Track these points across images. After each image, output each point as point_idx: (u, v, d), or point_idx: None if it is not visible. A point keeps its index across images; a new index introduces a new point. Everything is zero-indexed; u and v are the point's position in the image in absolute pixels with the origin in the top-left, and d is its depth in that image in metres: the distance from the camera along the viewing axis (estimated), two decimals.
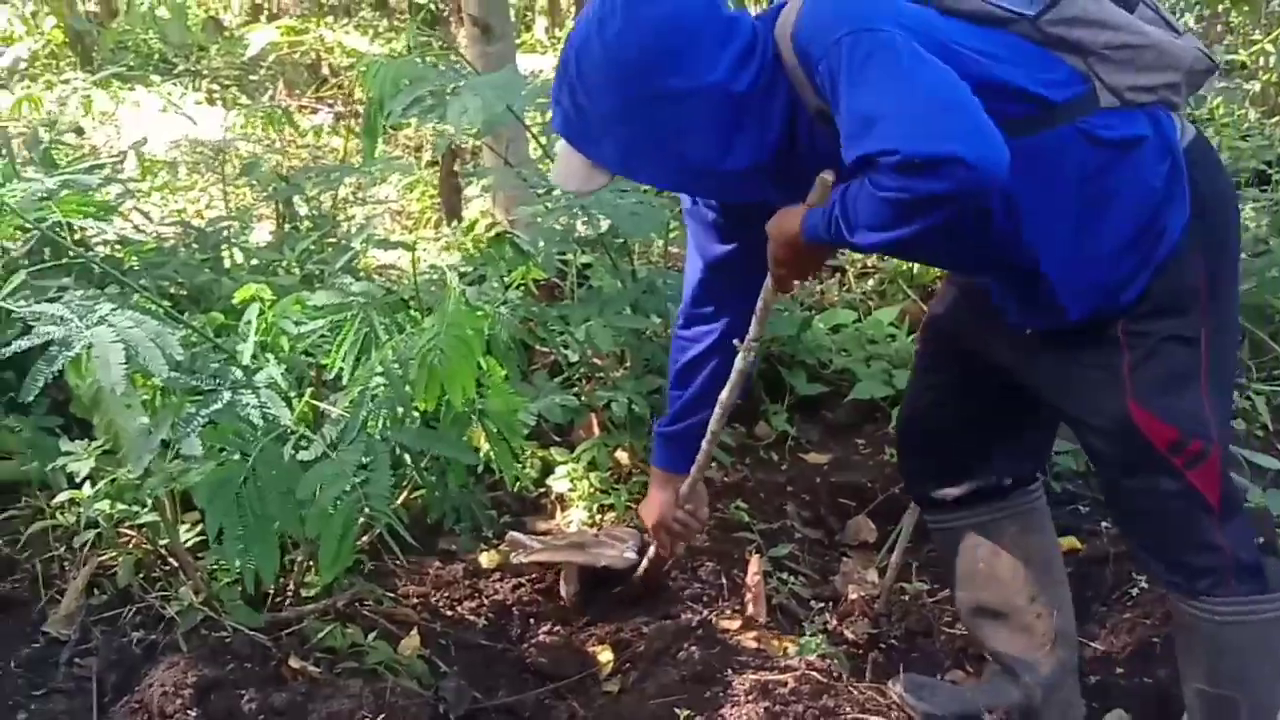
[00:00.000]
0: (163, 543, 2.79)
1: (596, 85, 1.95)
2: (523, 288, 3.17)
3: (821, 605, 3.15)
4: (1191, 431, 2.16)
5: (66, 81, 7.79)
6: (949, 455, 2.60)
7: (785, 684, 2.63)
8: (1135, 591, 3.19)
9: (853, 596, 3.15)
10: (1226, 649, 2.29)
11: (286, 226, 4.57)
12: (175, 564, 2.78)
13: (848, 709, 2.55)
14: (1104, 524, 3.46)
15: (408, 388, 2.50)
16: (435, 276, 3.65)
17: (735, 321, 2.46)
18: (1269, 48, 7.82)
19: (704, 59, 1.92)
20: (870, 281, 5.03)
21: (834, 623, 3.06)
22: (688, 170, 2.04)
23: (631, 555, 3.00)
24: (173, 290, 3.64)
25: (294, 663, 2.57)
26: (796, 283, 2.31)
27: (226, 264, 4.05)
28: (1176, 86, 2.06)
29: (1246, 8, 8.96)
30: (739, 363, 2.46)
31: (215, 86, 8.66)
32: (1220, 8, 8.55)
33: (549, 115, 3.66)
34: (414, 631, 2.82)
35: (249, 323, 2.71)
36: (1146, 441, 2.17)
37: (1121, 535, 2.82)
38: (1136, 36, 2.03)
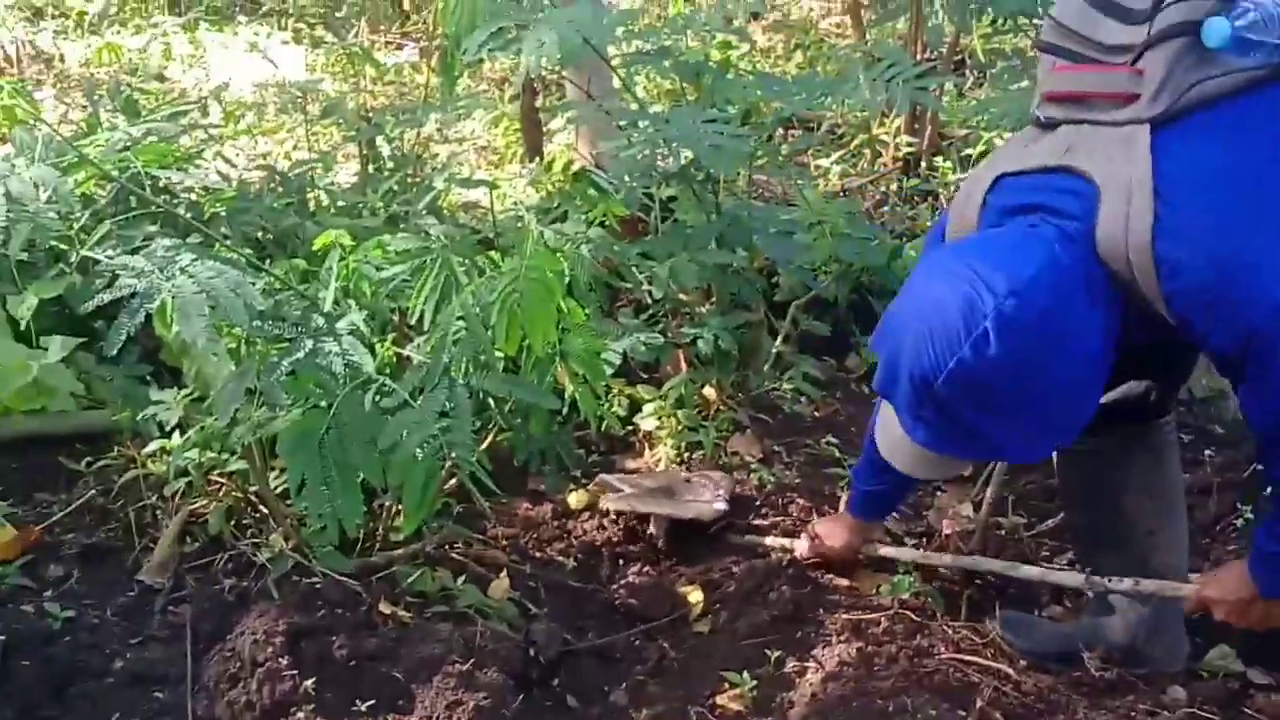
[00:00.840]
0: (252, 490, 2.81)
1: (979, 401, 1.91)
2: (605, 225, 3.13)
3: (915, 541, 3.09)
4: None
5: (155, 25, 7.84)
6: None
7: (878, 623, 2.60)
8: (1240, 523, 3.09)
9: (947, 532, 3.09)
10: None
11: (370, 167, 4.55)
12: (265, 511, 2.79)
13: (942, 648, 2.51)
14: (1207, 453, 3.36)
15: (488, 332, 2.48)
16: (518, 214, 3.62)
17: None
18: None
19: (1076, 337, 1.90)
20: None
21: None
22: (1054, 431, 2.03)
23: (721, 505, 2.97)
24: (259, 235, 3.65)
25: (384, 607, 2.59)
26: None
27: (311, 207, 4.04)
28: None
29: None
30: (1070, 578, 2.54)
31: (301, 25, 8.65)
32: None
33: (629, 46, 3.63)
34: (503, 574, 2.83)
35: (329, 269, 2.70)
36: None
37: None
38: None
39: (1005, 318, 1.85)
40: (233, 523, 2.80)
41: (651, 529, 3.00)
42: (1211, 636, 2.71)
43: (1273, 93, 1.90)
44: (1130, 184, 1.87)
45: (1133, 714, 2.40)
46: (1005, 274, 1.88)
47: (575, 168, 4.13)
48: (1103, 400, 2.44)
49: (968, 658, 2.49)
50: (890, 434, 2.10)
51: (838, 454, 3.33)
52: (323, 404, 2.37)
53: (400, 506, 2.77)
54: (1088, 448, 2.51)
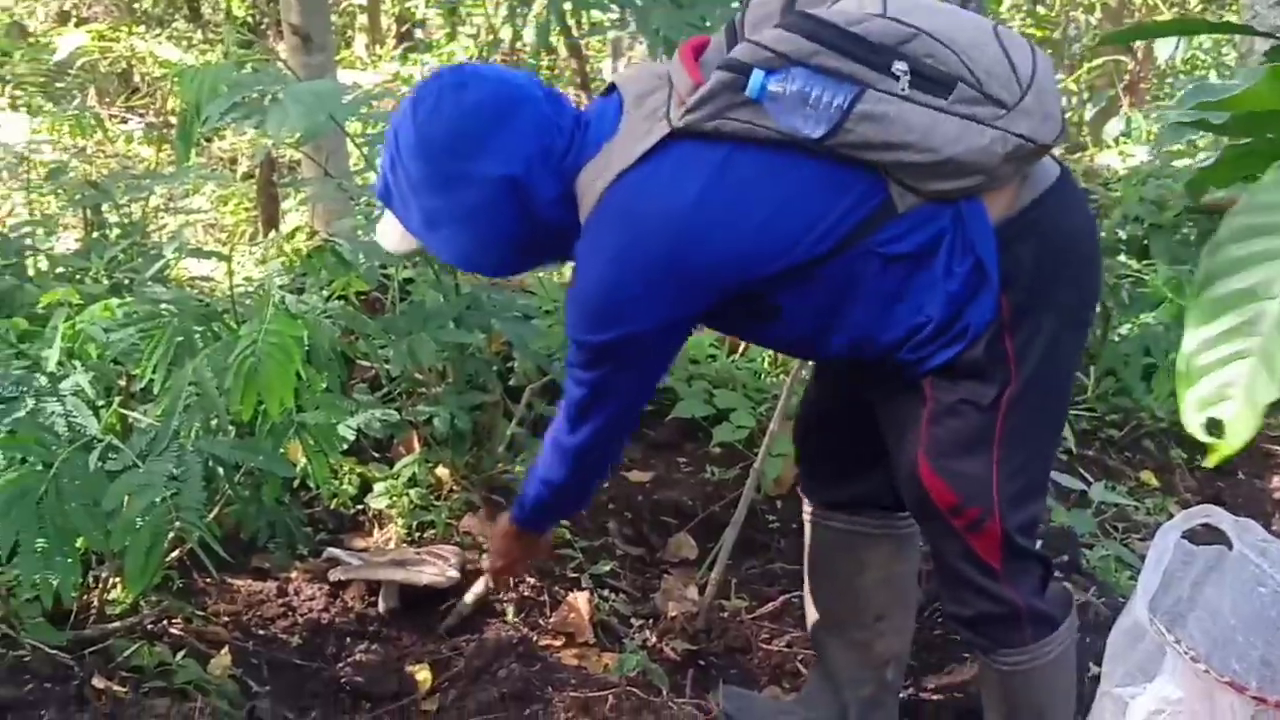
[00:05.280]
0: None
1: (407, 160, 2.05)
2: (344, 299, 3.11)
3: (642, 622, 3.14)
4: (971, 498, 2.12)
5: None
6: (841, 458, 2.54)
7: (606, 701, 2.63)
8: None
9: (673, 613, 3.15)
10: (1018, 695, 2.33)
11: (94, 234, 4.40)
12: None
13: None
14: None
15: (222, 398, 2.43)
16: (251, 289, 3.55)
17: None
18: (1072, 86, 8.15)
19: (505, 149, 2.02)
20: None
21: (654, 639, 3.06)
22: (478, 248, 2.14)
23: (453, 574, 2.96)
24: None
25: (98, 682, 2.47)
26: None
27: (30, 271, 3.88)
28: (986, 182, 1.96)
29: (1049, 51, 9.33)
30: None
31: (19, 92, 8.32)
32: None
33: (370, 127, 3.64)
34: (225, 650, 2.74)
35: (55, 328, 2.60)
36: (929, 496, 2.15)
37: None
38: (927, 154, 1.91)
39: (444, 85, 2.05)
40: None
41: (381, 601, 2.96)
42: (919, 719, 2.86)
43: (783, 155, 1.96)
44: (626, 152, 1.99)
45: None
46: (482, 72, 2.10)
47: (315, 241, 4.09)
48: (862, 490, 2.55)
49: None
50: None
51: (568, 535, 3.35)
52: (42, 465, 2.28)
53: (118, 579, 2.66)
54: (842, 526, 2.60)
